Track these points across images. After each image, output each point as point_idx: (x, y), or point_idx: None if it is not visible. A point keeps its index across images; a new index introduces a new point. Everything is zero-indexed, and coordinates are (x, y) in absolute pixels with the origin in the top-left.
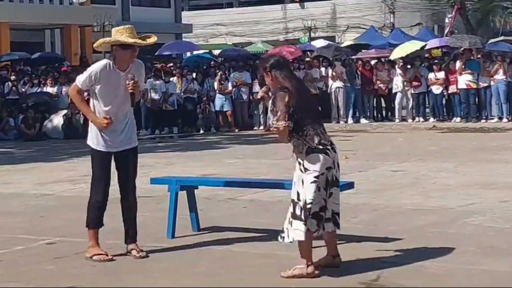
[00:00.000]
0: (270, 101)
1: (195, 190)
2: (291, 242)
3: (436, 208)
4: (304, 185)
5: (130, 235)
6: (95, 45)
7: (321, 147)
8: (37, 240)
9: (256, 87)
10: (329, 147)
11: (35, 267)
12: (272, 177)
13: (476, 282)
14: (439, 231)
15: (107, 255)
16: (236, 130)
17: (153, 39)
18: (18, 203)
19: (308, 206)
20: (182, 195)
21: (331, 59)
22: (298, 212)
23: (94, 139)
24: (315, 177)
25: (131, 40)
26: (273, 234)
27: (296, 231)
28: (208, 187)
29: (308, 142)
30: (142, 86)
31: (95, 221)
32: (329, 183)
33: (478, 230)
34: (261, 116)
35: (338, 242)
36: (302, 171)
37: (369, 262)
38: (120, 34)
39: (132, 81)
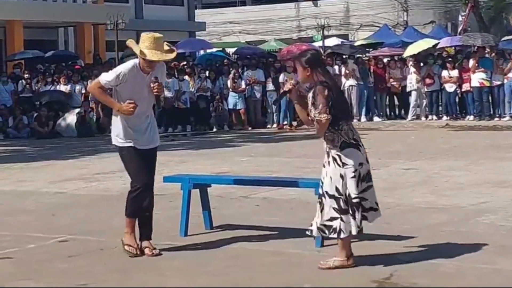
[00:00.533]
0: (310, 94)
1: (208, 188)
2: (342, 236)
3: (448, 206)
4: (345, 179)
5: (145, 233)
6: (127, 42)
7: (354, 142)
8: (49, 238)
9: (270, 86)
10: (360, 143)
11: (47, 265)
12: (285, 175)
13: (488, 281)
14: (451, 230)
15: (136, 249)
16: (249, 128)
17: (172, 55)
18: (30, 201)
19: (355, 200)
20: (195, 193)
21: (345, 56)
22: (343, 206)
23: (120, 137)
24: (354, 171)
25: (148, 57)
26: (285, 232)
27: (347, 225)
28: (221, 185)
29: (343, 136)
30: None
31: (131, 210)
32: (362, 178)
33: (490, 228)
34: (274, 115)
35: (351, 240)
36: (340, 166)
37: (382, 260)
38: (143, 42)
39: (157, 84)
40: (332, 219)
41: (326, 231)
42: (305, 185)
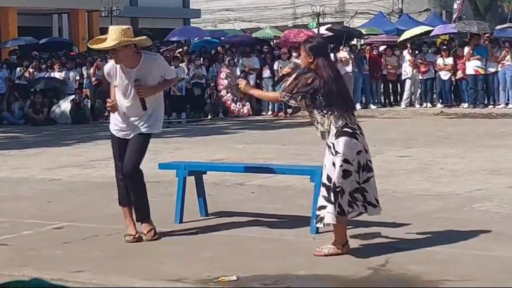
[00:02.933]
0: (296, 72)
1: (203, 176)
2: (324, 226)
3: (443, 193)
4: (335, 168)
5: (137, 216)
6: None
7: (350, 130)
8: (45, 225)
9: (267, 72)
10: (357, 132)
11: (43, 251)
12: (280, 162)
13: (484, 268)
14: (447, 217)
15: (133, 236)
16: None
17: (107, 44)
18: (25, 188)
19: (338, 189)
20: (190, 180)
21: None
22: (327, 195)
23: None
24: (343, 160)
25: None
26: (280, 219)
27: (328, 214)
28: (216, 172)
29: (334, 122)
30: (169, 75)
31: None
32: (362, 167)
33: (486, 215)
34: (269, 102)
35: (346, 227)
36: (333, 154)
37: (377, 247)
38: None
39: (139, 86)
40: (320, 208)
41: (315, 220)
42: (301, 173)
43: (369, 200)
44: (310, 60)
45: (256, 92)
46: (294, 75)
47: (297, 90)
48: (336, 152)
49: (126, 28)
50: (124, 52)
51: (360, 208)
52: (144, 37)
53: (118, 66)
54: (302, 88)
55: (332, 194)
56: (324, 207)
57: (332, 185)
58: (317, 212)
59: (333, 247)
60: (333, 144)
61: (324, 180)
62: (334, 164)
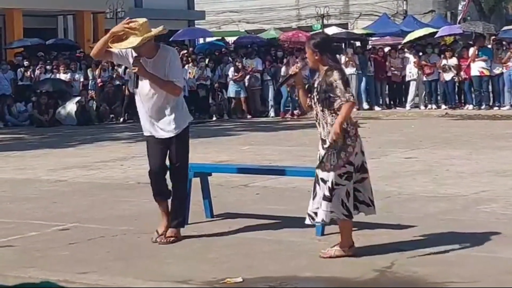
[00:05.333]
0: (333, 79)
1: (208, 177)
2: (319, 223)
3: (448, 195)
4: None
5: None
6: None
7: (353, 131)
8: (50, 226)
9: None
10: (357, 133)
11: (49, 252)
12: (285, 163)
13: (489, 270)
14: (452, 218)
15: (156, 235)
16: (249, 117)
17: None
18: (31, 189)
19: (337, 187)
20: (196, 181)
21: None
22: (327, 193)
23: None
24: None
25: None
26: (285, 221)
27: (325, 212)
28: (221, 173)
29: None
30: (172, 76)
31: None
32: (357, 168)
33: (491, 217)
34: (271, 104)
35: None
36: None
37: (383, 249)
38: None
39: (137, 61)
40: (320, 204)
41: (313, 217)
42: (306, 174)
43: (362, 199)
44: (316, 58)
45: (300, 92)
46: (338, 77)
47: (349, 89)
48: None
49: (144, 22)
50: (147, 46)
51: (361, 209)
52: (161, 27)
53: (133, 53)
54: (348, 85)
55: (330, 193)
56: (321, 204)
57: (330, 183)
58: (311, 209)
59: (339, 249)
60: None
61: (324, 177)
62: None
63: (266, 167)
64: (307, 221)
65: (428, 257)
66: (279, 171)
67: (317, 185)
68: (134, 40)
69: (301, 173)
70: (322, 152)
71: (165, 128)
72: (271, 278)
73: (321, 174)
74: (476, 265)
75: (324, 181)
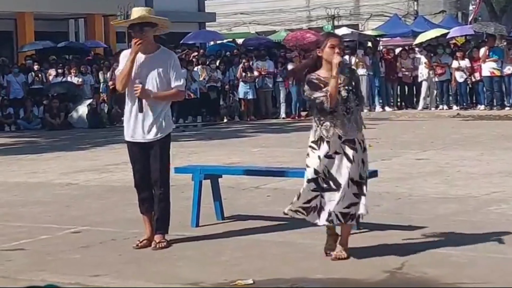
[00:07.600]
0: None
1: (219, 179)
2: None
3: (460, 196)
4: (365, 164)
5: (155, 226)
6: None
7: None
8: (62, 229)
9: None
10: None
11: (60, 256)
12: (296, 165)
13: (500, 271)
14: (463, 220)
15: (141, 241)
16: (248, 120)
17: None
18: (43, 193)
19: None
20: (206, 184)
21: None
22: (365, 189)
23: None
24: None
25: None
26: (296, 223)
27: (362, 205)
28: (232, 175)
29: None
30: (177, 81)
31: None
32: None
33: (502, 218)
34: (283, 105)
35: (362, 230)
36: (363, 151)
37: (393, 250)
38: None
39: (139, 87)
40: (350, 205)
41: (342, 219)
42: None
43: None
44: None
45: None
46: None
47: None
48: (365, 149)
49: (149, 9)
50: (149, 33)
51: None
52: (166, 18)
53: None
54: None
55: (365, 188)
56: (355, 203)
57: (365, 180)
58: (346, 210)
59: (343, 249)
60: (363, 140)
61: (357, 177)
62: (363, 161)
63: (277, 169)
64: (335, 221)
65: (439, 258)
66: (290, 173)
67: (346, 186)
68: (137, 18)
69: None
70: (350, 152)
71: (152, 130)
72: (282, 280)
73: (357, 174)
74: (487, 266)
75: (362, 178)
